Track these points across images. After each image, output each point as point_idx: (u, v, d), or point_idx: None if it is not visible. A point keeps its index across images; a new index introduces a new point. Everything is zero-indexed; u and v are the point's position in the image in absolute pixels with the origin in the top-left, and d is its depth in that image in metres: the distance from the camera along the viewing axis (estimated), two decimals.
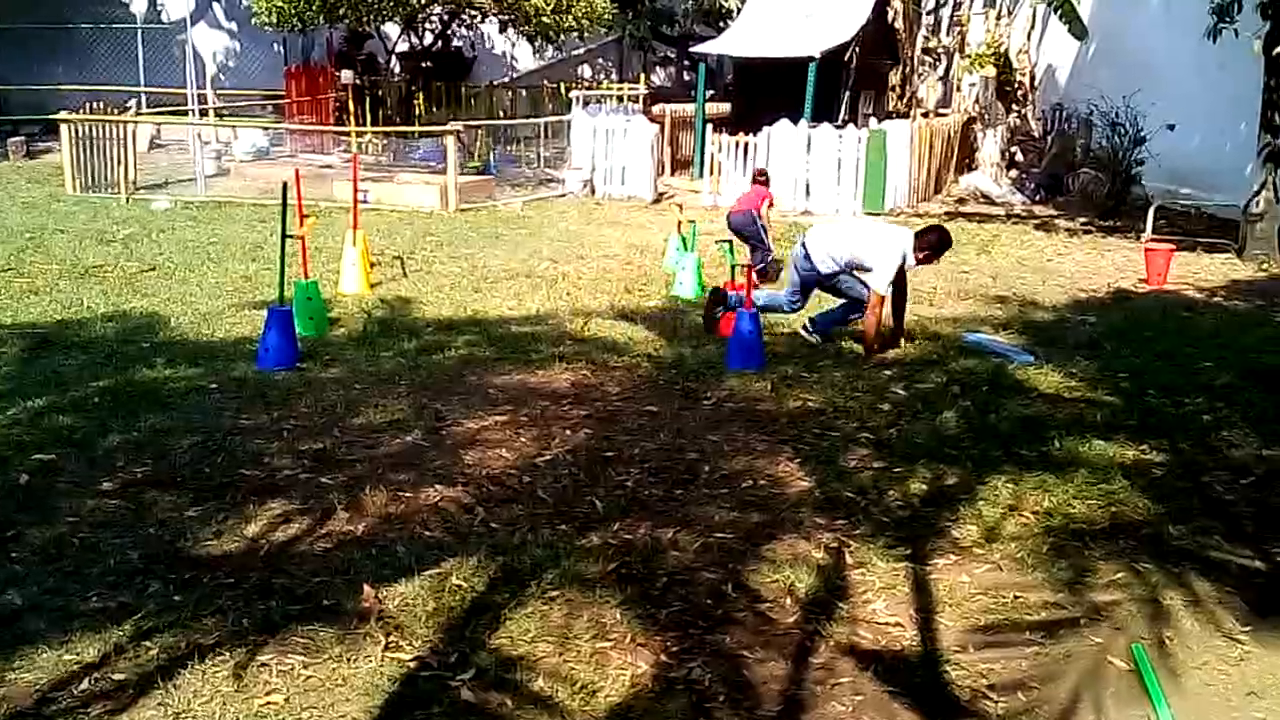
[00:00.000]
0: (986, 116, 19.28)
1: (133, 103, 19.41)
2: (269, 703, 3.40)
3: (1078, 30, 17.78)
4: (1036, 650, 3.79)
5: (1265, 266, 11.86)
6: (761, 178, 11.36)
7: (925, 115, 19.18)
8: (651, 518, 4.80)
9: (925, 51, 21.36)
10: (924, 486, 5.22)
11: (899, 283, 7.76)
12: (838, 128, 15.53)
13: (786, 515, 4.87)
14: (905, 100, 20.60)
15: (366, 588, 4.07)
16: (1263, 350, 7.92)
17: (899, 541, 4.59)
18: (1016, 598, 4.15)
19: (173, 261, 10.55)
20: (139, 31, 20.35)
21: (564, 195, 16.17)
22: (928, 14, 21.99)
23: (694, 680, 3.57)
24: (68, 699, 3.38)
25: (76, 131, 15.24)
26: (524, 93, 24.18)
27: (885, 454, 5.63)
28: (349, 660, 3.63)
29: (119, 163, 15.25)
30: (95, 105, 15.98)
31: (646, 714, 3.38)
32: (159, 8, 23.82)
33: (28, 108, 20.80)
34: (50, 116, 17.02)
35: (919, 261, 7.67)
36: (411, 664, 3.62)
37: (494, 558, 4.36)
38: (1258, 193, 12.16)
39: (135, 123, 16.51)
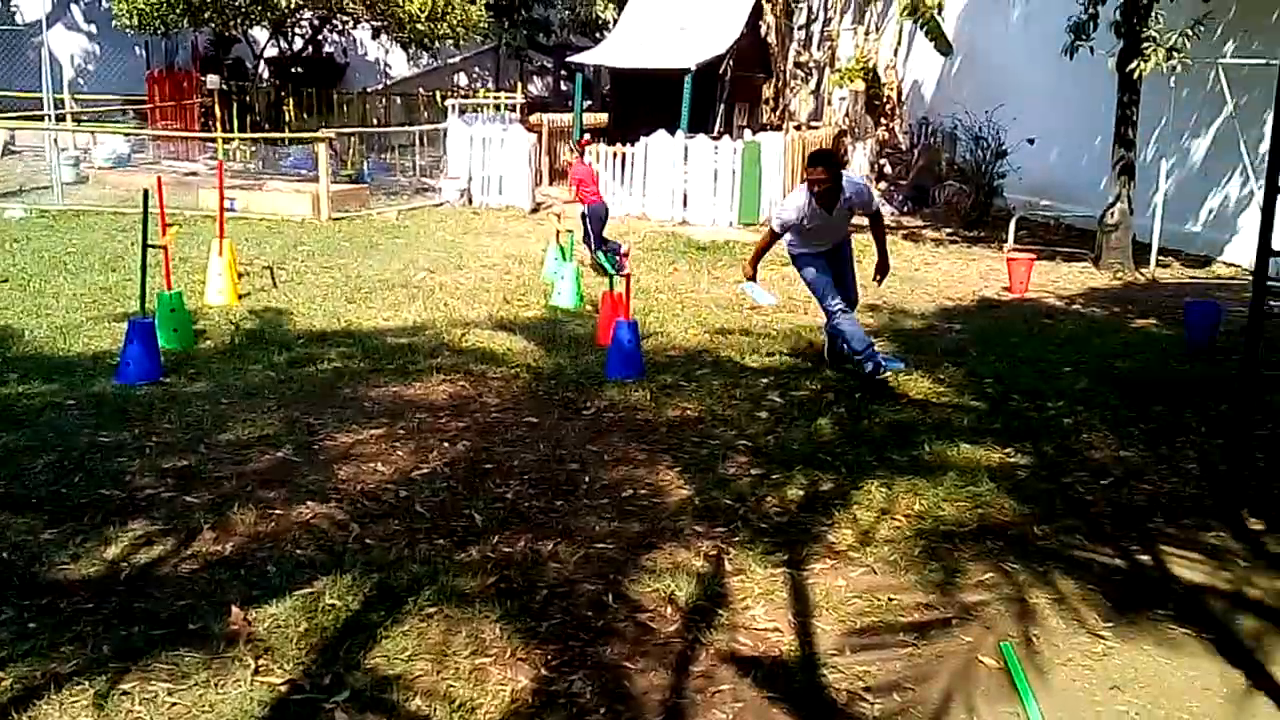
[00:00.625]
0: (856, 130, 19.77)
1: None
2: None
3: (943, 47, 18.37)
4: (910, 651, 3.88)
5: (1120, 275, 12.42)
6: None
7: (798, 128, 19.56)
8: (531, 530, 4.76)
9: (798, 65, 21.78)
10: (800, 492, 5.30)
11: (877, 219, 7.62)
12: (713, 139, 15.72)
13: (666, 524, 4.88)
14: (778, 113, 20.98)
15: (234, 609, 3.93)
16: (1119, 355, 8.29)
17: (777, 547, 4.65)
18: (891, 600, 4.24)
19: (27, 273, 10.07)
20: None
21: (441, 204, 15.99)
22: (799, 29, 22.44)
23: (575, 693, 3.54)
24: None
25: None
26: (399, 100, 23.85)
27: (763, 461, 5.70)
28: (217, 685, 3.50)
29: None
30: None
31: None
32: (13, 9, 22.78)
33: None
34: None
35: (816, 193, 6.90)
36: (283, 687, 3.51)
37: (369, 575, 4.26)
38: (1112, 204, 12.72)
39: None
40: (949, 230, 15.67)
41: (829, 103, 20.89)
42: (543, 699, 3.50)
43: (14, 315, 8.41)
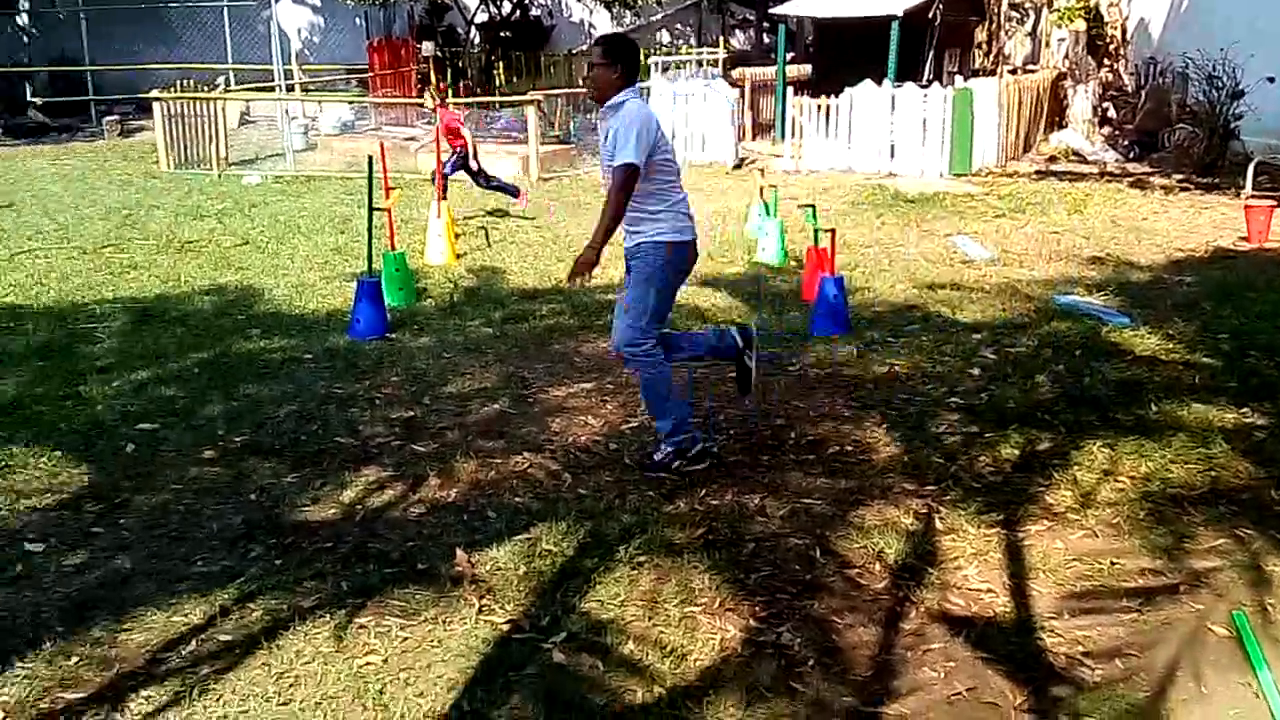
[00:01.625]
0: (1077, 72, 18.70)
1: (221, 80, 19.82)
2: (368, 663, 3.49)
3: None
4: (1134, 617, 3.72)
5: None
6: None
7: (1013, 72, 18.68)
8: (737, 484, 4.81)
9: (1012, 7, 20.77)
10: (1016, 452, 5.13)
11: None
12: (922, 87, 15.23)
13: (874, 481, 4.83)
14: (992, 57, 20.11)
15: (459, 552, 4.15)
16: None
17: (990, 507, 4.53)
18: (1113, 564, 4.08)
19: (265, 235, 10.79)
20: (225, 9, 20.75)
21: None
22: None
23: (783, 645, 3.58)
24: (176, 659, 3.51)
25: (168, 110, 15.63)
26: None
27: (975, 419, 5.55)
28: (444, 623, 3.72)
29: (210, 139, 15.62)
30: (185, 84, 16.35)
31: (736, 678, 3.40)
32: None
33: (120, 87, 21.38)
34: (142, 95, 17.48)
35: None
36: (504, 627, 3.69)
37: (582, 523, 4.41)
38: None
39: (225, 100, 16.86)
40: (1179, 177, 14.67)
41: (1047, 44, 19.83)
42: (752, 649, 3.56)
43: (255, 275, 9.05)
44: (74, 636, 3.61)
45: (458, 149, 11.14)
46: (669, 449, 4.93)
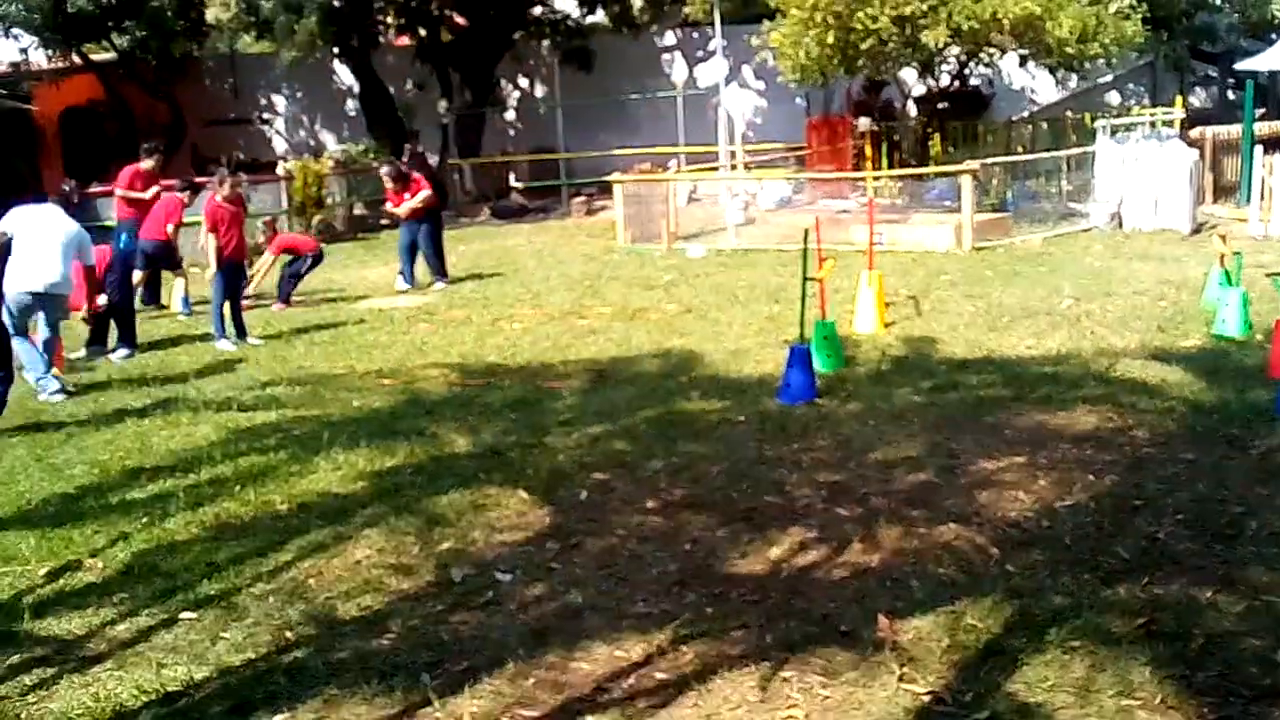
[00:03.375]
0: None
1: (674, 162, 21.39)
2: (789, 716, 3.62)
3: None
4: None
5: None
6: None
7: None
8: (1186, 574, 4.45)
9: None
10: None
11: None
12: None
13: None
14: None
15: (882, 618, 4.19)
16: None
17: None
18: None
19: (706, 304, 11.48)
20: (679, 98, 22.42)
21: (1088, 229, 15.34)
22: None
23: None
24: (618, 691, 3.82)
25: (626, 190, 17.14)
26: (1044, 125, 23.25)
27: None
28: (864, 686, 3.77)
29: (661, 216, 16.90)
30: (642, 166, 17.83)
31: None
32: (695, 76, 26.04)
33: (587, 172, 23.68)
34: (605, 178, 19.28)
35: None
36: (925, 697, 3.68)
37: (1010, 601, 4.29)
38: None
39: (676, 180, 18.17)
40: None
41: None
42: None
43: (695, 340, 9.65)
44: (531, 660, 4.04)
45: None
46: None
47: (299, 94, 28.60)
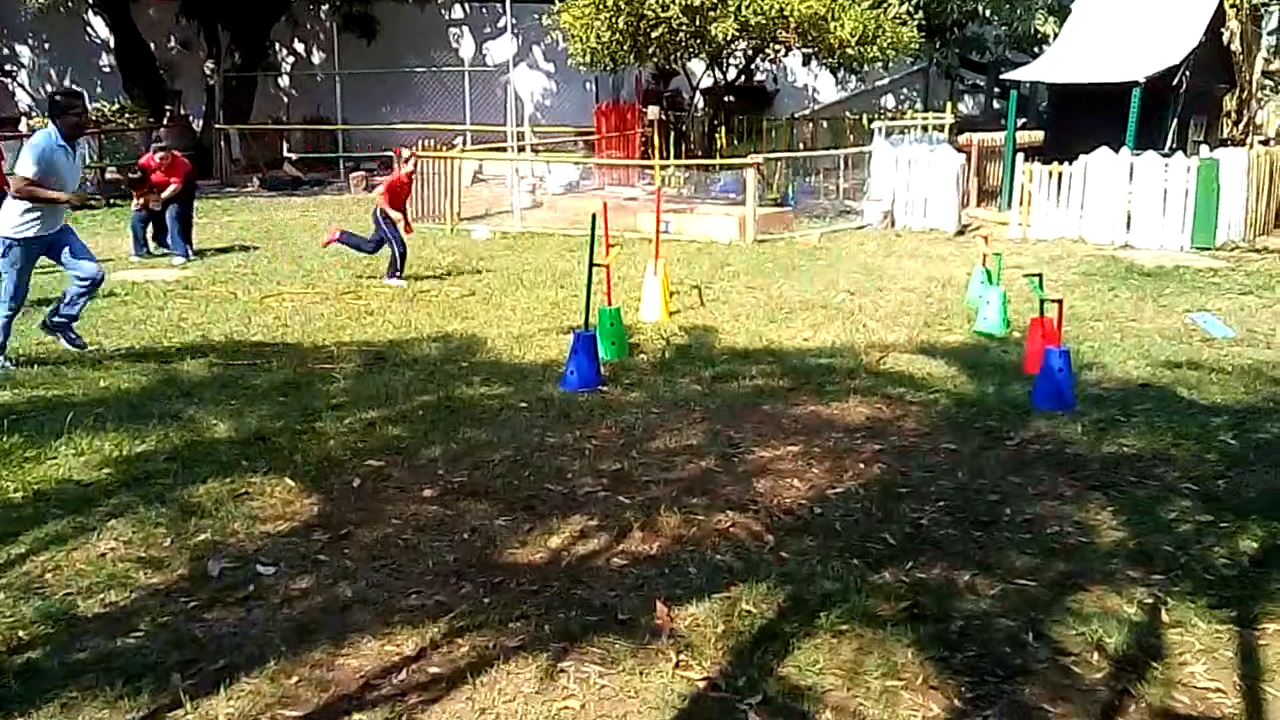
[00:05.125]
0: None
1: (459, 140, 20.98)
2: (566, 707, 3.55)
3: None
4: None
5: None
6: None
7: (1265, 143, 17.59)
8: (947, 558, 4.65)
9: (1266, 74, 19.59)
10: (1255, 544, 4.76)
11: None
12: (1164, 156, 14.51)
13: (1095, 566, 4.57)
14: (1242, 127, 18.98)
15: (660, 605, 4.18)
16: None
17: (1224, 602, 4.21)
18: None
19: (490, 287, 11.28)
20: (466, 74, 22.01)
21: (863, 227, 16.01)
22: (1269, 34, 20.19)
23: None
24: (388, 687, 3.66)
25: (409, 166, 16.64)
26: (825, 124, 24.17)
27: (1211, 507, 5.18)
28: (642, 674, 3.74)
29: (445, 195, 16.53)
30: (426, 143, 17.38)
31: None
32: (484, 52, 25.65)
33: (367, 144, 22.92)
34: (386, 153, 18.69)
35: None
36: (701, 683, 3.68)
37: (784, 586, 4.36)
38: None
39: (460, 159, 17.81)
40: None
41: None
42: None
43: (478, 325, 9.46)
44: (295, 657, 3.82)
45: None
46: None
47: (47, 45, 26.48)
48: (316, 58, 27.01)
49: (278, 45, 26.29)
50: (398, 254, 11.54)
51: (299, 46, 27.21)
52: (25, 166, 7.43)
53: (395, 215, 11.55)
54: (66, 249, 7.80)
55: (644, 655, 3.85)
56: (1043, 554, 4.69)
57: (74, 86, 20.53)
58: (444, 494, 5.41)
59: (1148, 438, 6.25)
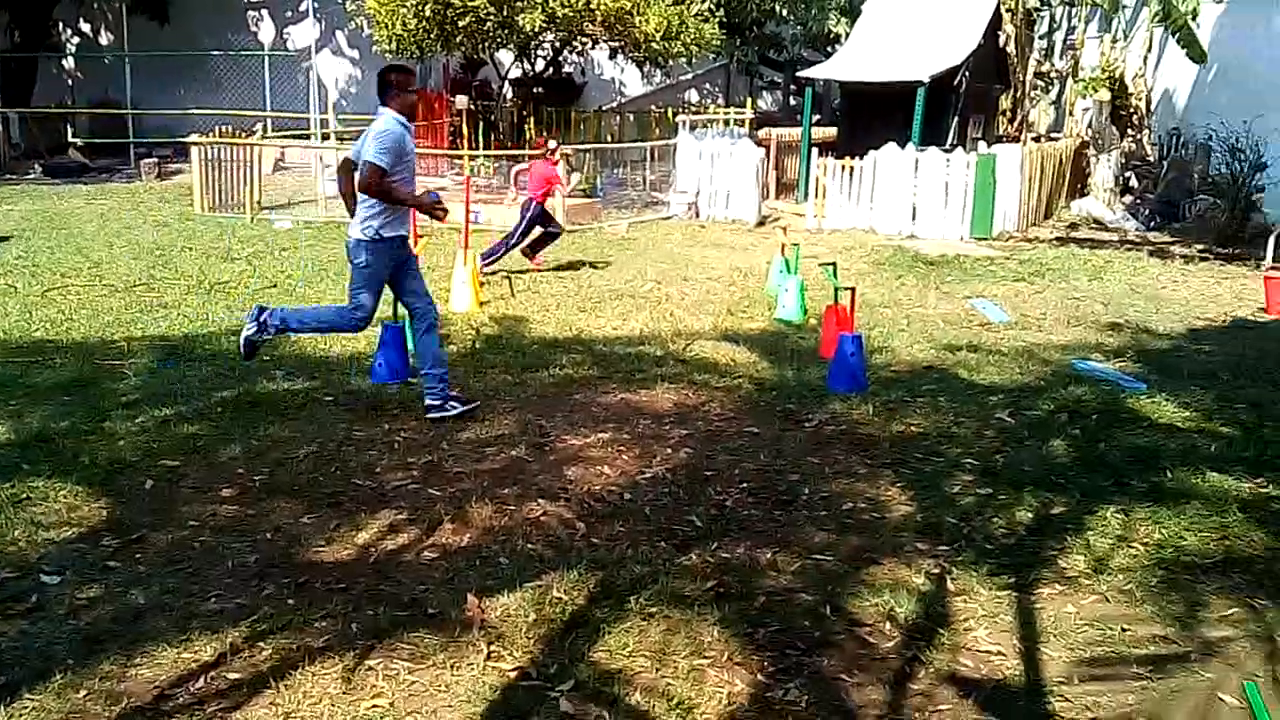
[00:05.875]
0: (1100, 141, 18.85)
1: (259, 127, 20.19)
2: (374, 706, 3.51)
3: (1196, 54, 17.31)
4: (1145, 684, 3.71)
5: None
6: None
7: (1036, 139, 18.85)
8: (750, 538, 4.82)
9: (1038, 75, 20.98)
10: (1030, 515, 5.13)
11: None
12: (946, 152, 15.36)
13: (887, 539, 4.84)
14: (1016, 125, 20.26)
15: (470, 597, 4.18)
16: None
17: (1003, 569, 4.53)
18: (1124, 630, 4.06)
19: (294, 279, 10.93)
20: (266, 59, 21.20)
21: (669, 218, 16.30)
22: (1040, 38, 21.62)
23: (791, 702, 3.58)
24: (185, 696, 3.54)
25: (206, 154, 15.93)
26: (631, 117, 24.46)
27: (990, 480, 5.56)
28: (452, 667, 3.73)
29: (245, 184, 15.89)
30: (224, 129, 16.66)
31: None
32: (285, 36, 24.78)
33: (160, 130, 21.79)
34: (181, 139, 17.82)
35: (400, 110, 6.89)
36: (512, 674, 3.71)
37: (594, 572, 4.43)
38: None
39: (261, 146, 17.15)
40: (1200, 247, 14.72)
41: (1071, 113, 20.02)
42: (759, 705, 3.56)
43: None
44: (84, 670, 3.64)
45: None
46: None
47: None
48: (105, 39, 25.49)
49: (61, 25, 24.65)
50: (510, 245, 11.42)
51: (85, 27, 25.60)
52: None
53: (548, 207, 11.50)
54: None
55: (454, 648, 3.84)
56: (839, 530, 4.93)
57: None
58: (244, 493, 5.24)
59: (933, 417, 6.64)
